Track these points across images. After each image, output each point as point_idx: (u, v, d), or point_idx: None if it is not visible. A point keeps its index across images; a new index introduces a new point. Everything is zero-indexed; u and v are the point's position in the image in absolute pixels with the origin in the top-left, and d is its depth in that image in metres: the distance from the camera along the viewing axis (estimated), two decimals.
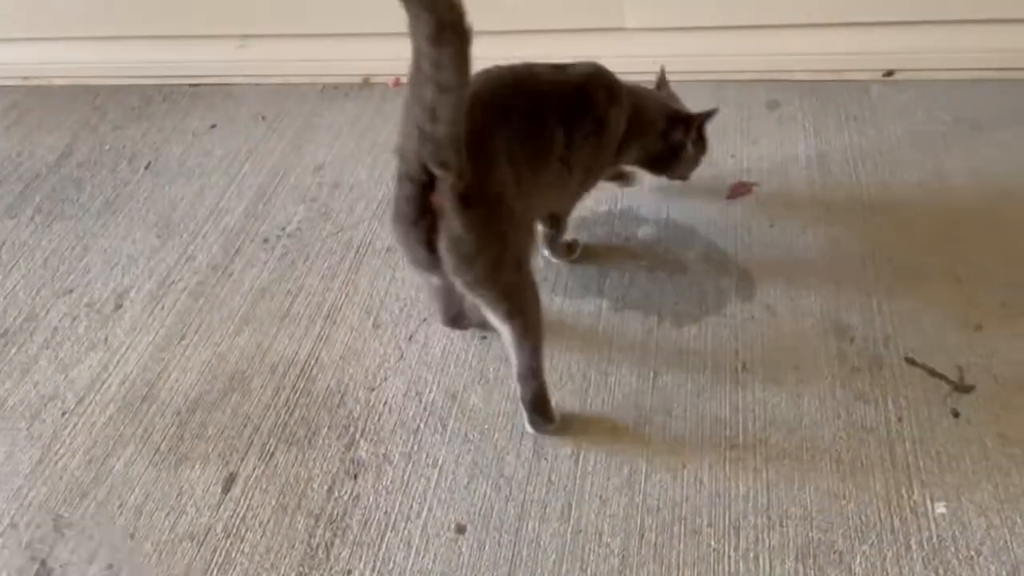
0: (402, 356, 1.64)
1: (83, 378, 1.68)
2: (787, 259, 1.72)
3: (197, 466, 1.51)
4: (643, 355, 1.58)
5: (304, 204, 2.02)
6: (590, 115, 1.45)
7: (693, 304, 1.66)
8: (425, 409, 1.53)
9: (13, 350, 1.76)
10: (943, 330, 1.53)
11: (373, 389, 1.58)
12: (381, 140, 2.20)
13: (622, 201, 1.91)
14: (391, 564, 1.33)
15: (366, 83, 2.42)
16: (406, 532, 1.37)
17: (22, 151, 2.34)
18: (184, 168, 2.20)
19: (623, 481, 1.38)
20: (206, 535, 1.40)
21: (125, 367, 1.69)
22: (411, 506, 1.40)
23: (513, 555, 1.32)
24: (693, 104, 1.70)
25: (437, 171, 1.16)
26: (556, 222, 1.71)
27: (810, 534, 1.29)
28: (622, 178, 1.89)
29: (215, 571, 1.36)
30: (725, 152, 2.00)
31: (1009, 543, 1.24)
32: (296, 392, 1.60)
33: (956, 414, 1.40)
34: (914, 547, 1.25)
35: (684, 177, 1.77)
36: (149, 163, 2.24)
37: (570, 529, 1.34)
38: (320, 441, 1.51)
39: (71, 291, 1.88)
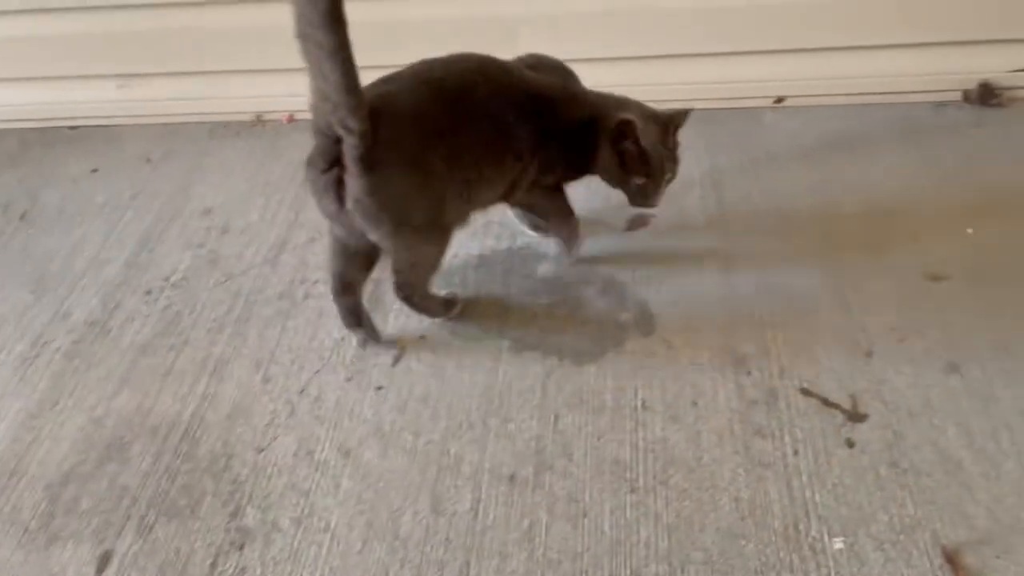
0: (293, 411, 1.56)
1: None
2: (685, 291, 1.71)
3: (69, 545, 1.39)
4: (543, 398, 1.54)
5: (191, 251, 1.93)
6: (556, 123, 1.53)
7: (593, 342, 1.64)
8: (317, 469, 1.46)
9: None
10: (836, 358, 1.54)
11: (261, 450, 1.50)
12: (274, 179, 2.12)
13: (522, 238, 1.88)
14: None
15: (258, 120, 2.34)
16: None
17: None
18: (63, 216, 2.08)
19: (522, 535, 1.34)
20: None
21: None
22: None
23: None
24: None
25: (339, 131, 1.26)
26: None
27: None
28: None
29: None
30: None
31: None
32: (178, 457, 1.50)
33: (851, 444, 1.41)
34: None
35: (645, 203, 1.63)
36: (24, 212, 2.11)
37: None
38: (203, 510, 1.42)
39: None
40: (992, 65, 2.11)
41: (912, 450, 1.39)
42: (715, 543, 1.30)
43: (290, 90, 2.27)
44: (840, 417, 1.45)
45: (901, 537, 1.28)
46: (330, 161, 1.33)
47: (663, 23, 2.07)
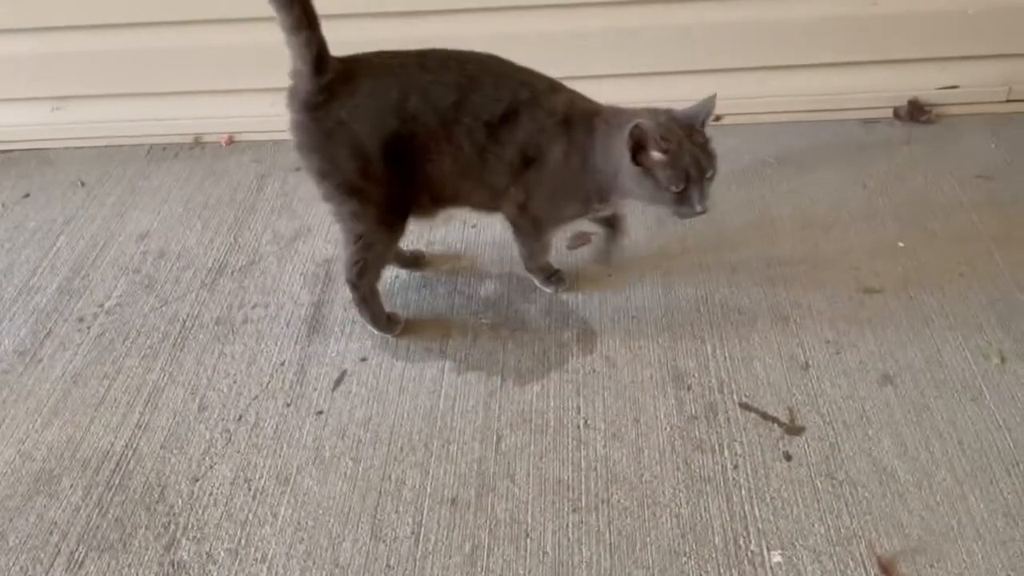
0: (230, 439, 1.52)
1: None
2: (626, 308, 1.72)
3: None
4: (486, 418, 1.53)
5: (126, 276, 1.88)
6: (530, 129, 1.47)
7: (536, 361, 1.63)
8: (254, 498, 1.43)
9: None
10: (774, 372, 1.56)
11: (197, 480, 1.46)
12: (212, 202, 2.08)
13: (465, 258, 1.88)
14: None
15: (197, 142, 2.30)
16: None
17: None
18: None
19: (464, 558, 1.32)
20: None
21: None
22: None
23: None
24: None
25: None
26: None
27: None
28: (611, 226, 1.77)
29: None
30: None
31: None
32: (111, 489, 1.46)
33: (788, 457, 1.42)
34: None
35: (692, 210, 1.44)
36: None
37: None
38: (136, 544, 1.37)
39: None
40: (920, 83, 2.18)
41: (848, 461, 1.41)
42: (656, 561, 1.30)
43: (228, 112, 2.27)
44: (778, 430, 1.47)
45: (837, 548, 1.29)
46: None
47: (598, 43, 2.09)
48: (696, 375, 1.57)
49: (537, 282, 1.77)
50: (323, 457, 1.48)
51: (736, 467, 1.42)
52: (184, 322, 1.76)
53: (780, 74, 2.16)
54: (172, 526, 1.39)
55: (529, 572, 1.30)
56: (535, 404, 1.55)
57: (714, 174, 1.43)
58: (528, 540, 1.34)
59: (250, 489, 1.44)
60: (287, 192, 2.11)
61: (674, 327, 1.67)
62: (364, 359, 1.66)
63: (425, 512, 1.39)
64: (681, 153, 1.38)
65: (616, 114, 1.48)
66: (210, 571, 1.33)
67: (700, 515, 1.35)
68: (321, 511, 1.40)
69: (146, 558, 1.35)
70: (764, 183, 2.00)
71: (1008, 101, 2.17)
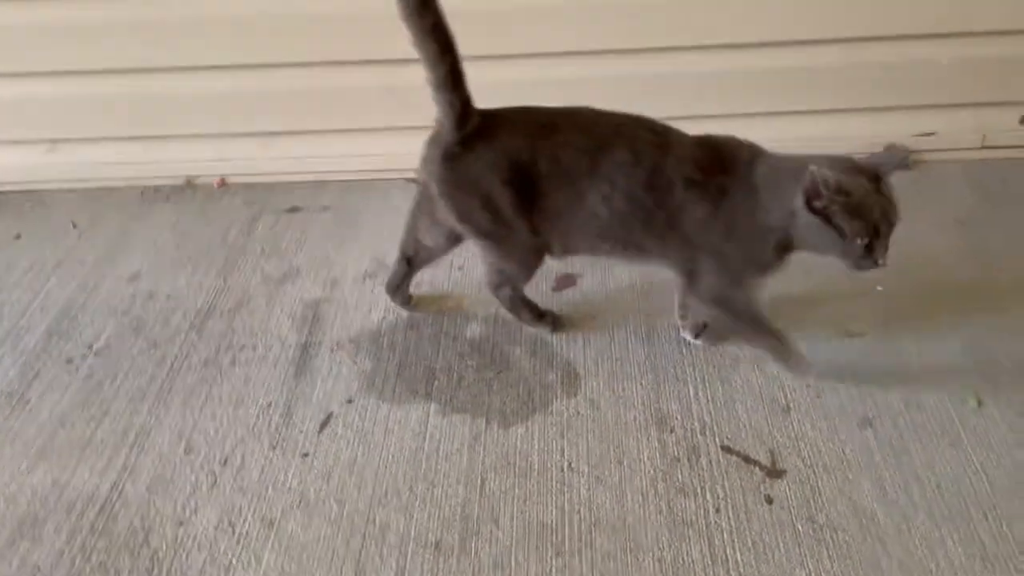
0: (215, 482, 1.53)
1: None
2: (609, 351, 1.75)
3: None
4: (471, 461, 1.54)
5: (115, 318, 1.90)
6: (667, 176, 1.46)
7: (520, 403, 1.65)
8: (238, 542, 1.43)
9: None
10: (755, 414, 1.58)
11: (182, 523, 1.46)
12: (203, 243, 2.11)
13: (451, 299, 1.90)
14: None
15: (189, 184, 2.34)
16: None
17: None
18: None
19: None
20: None
21: None
22: None
23: None
24: None
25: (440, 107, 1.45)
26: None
27: None
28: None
29: None
30: None
31: None
32: (94, 534, 1.46)
33: (770, 500, 1.44)
34: None
35: (873, 263, 1.41)
36: None
37: None
38: None
39: None
40: (898, 130, 2.23)
41: (828, 504, 1.42)
42: None
43: (221, 154, 2.30)
44: (759, 473, 1.48)
45: None
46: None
47: None
48: (679, 417, 1.59)
49: (785, 368, 1.63)
50: (308, 500, 1.49)
51: (718, 510, 1.43)
52: (172, 364, 1.77)
53: (759, 121, 2.21)
54: (155, 571, 1.39)
55: None
56: (519, 447, 1.56)
57: (893, 225, 1.38)
58: None
59: (234, 533, 1.44)
60: (277, 234, 2.14)
61: (657, 369, 1.69)
62: (350, 401, 1.67)
63: (409, 556, 1.39)
64: (869, 203, 1.34)
65: (783, 161, 1.44)
66: None
67: (682, 559, 1.36)
68: (305, 555, 1.40)
69: None
70: None
71: (983, 148, 2.22)
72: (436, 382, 1.70)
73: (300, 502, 1.49)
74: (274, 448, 1.59)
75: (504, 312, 1.85)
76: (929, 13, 2.03)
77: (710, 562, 1.35)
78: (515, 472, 1.52)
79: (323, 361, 1.76)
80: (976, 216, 2.02)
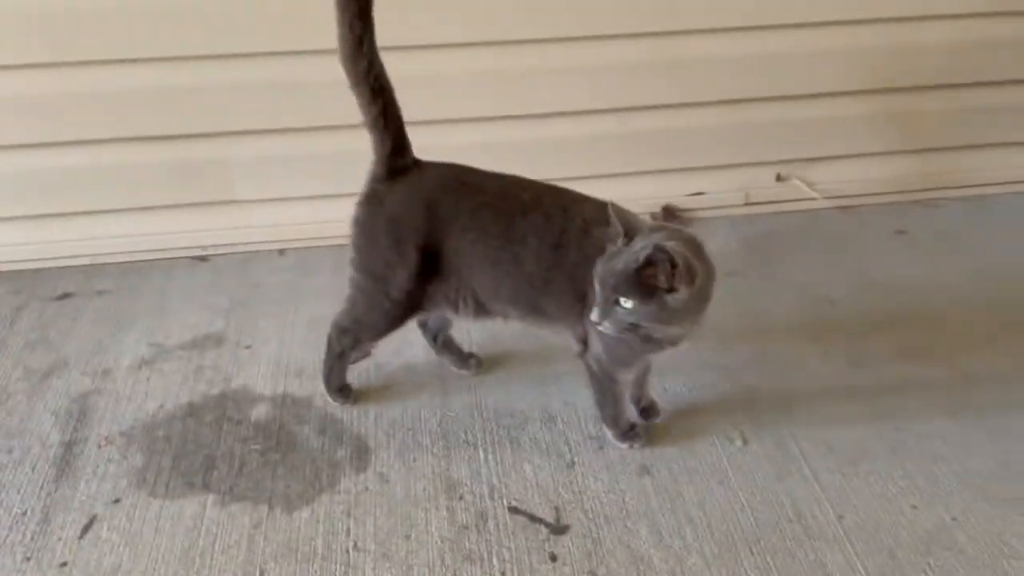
0: None
1: None
2: (402, 421, 1.73)
3: None
4: (249, 552, 1.46)
5: None
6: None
7: (306, 484, 1.59)
8: None
9: None
10: (542, 472, 1.61)
11: None
12: None
13: (236, 380, 1.82)
14: None
15: None
16: None
17: None
18: None
19: None
20: None
21: None
22: None
23: None
24: None
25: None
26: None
27: None
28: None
29: None
30: None
31: None
32: None
33: (554, 558, 1.45)
34: None
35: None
36: None
37: None
38: None
39: None
40: (673, 190, 2.41)
41: (608, 555, 1.45)
42: None
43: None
44: (544, 531, 1.49)
45: None
46: None
47: None
48: (468, 483, 1.59)
49: (610, 437, 1.66)
50: None
51: (503, 574, 1.42)
52: None
53: None
54: None
55: None
56: (303, 531, 1.50)
57: None
58: None
59: None
60: (44, 324, 1.98)
61: (449, 435, 1.69)
62: (117, 500, 1.54)
63: None
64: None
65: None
66: None
67: None
68: None
69: None
70: None
71: (746, 204, 2.44)
72: (215, 471, 1.61)
73: None
74: (28, 560, 1.44)
75: (293, 389, 1.79)
76: (692, 84, 2.23)
77: None
78: (297, 559, 1.45)
79: (88, 460, 1.62)
80: (742, 268, 2.19)
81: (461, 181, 1.53)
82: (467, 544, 1.47)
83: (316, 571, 1.43)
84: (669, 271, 1.29)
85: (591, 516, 1.52)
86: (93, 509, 1.53)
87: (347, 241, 1.59)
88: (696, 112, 2.31)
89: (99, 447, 1.65)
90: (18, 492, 1.56)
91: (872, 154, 2.45)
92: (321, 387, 1.79)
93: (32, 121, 1.99)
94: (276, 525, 1.51)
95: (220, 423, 1.72)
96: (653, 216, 2.38)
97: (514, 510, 1.53)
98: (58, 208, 2.13)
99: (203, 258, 2.23)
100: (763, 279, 2.15)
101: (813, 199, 2.44)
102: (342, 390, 1.76)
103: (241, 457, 1.64)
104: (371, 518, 1.52)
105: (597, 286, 1.36)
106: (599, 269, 1.36)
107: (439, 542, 1.48)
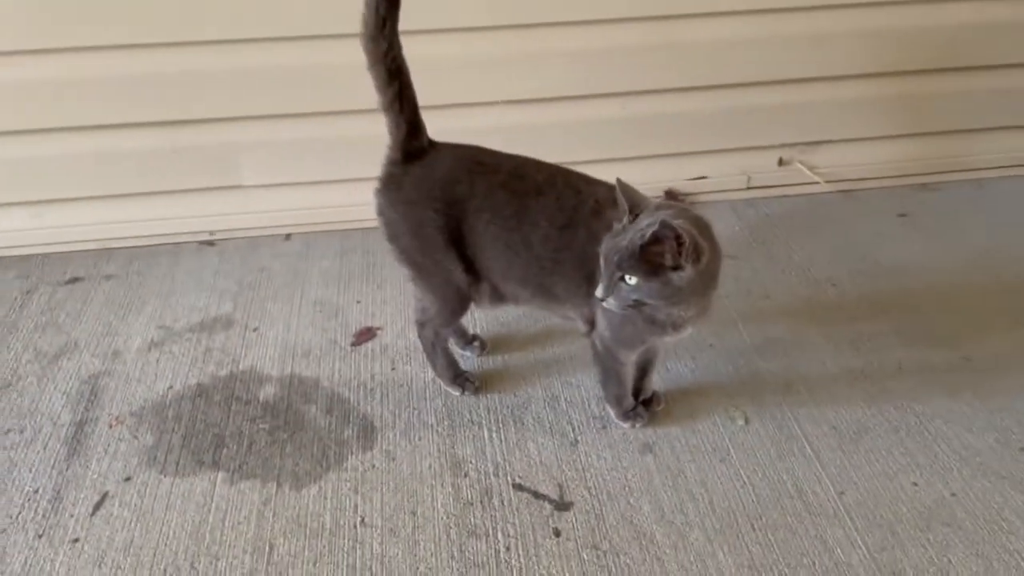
0: None
1: None
2: (407, 400, 1.75)
3: None
4: (259, 528, 1.48)
5: None
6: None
7: (314, 462, 1.61)
8: None
9: None
10: (546, 450, 1.63)
11: None
12: None
13: (244, 361, 1.85)
14: None
15: None
16: None
17: None
18: None
19: None
20: None
21: None
22: None
23: None
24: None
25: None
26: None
27: None
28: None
29: None
30: (351, 298, 2.03)
31: None
32: None
33: (557, 533, 1.47)
34: None
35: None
36: None
37: None
38: None
39: None
40: (675, 174, 2.42)
41: (611, 531, 1.47)
42: None
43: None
44: (548, 507, 1.52)
45: None
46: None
47: None
48: (473, 461, 1.61)
49: (612, 416, 1.68)
50: None
51: (508, 549, 1.44)
52: None
53: None
54: None
55: None
56: (311, 507, 1.52)
57: None
58: None
59: None
60: (54, 307, 2.00)
61: (454, 415, 1.71)
62: (128, 478, 1.57)
63: None
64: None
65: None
66: None
67: None
68: None
69: None
70: None
71: (748, 188, 2.45)
72: (224, 449, 1.63)
73: None
74: (40, 537, 1.47)
75: (300, 370, 1.82)
76: (693, 68, 2.23)
77: None
78: (306, 534, 1.47)
79: (99, 439, 1.65)
80: (743, 250, 2.21)
81: (476, 161, 1.53)
82: (472, 520, 1.50)
83: (324, 546, 1.45)
84: (675, 248, 1.29)
85: (594, 493, 1.54)
86: (104, 487, 1.55)
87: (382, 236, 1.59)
88: (698, 96, 2.31)
89: (109, 427, 1.68)
90: (30, 471, 1.59)
91: (874, 138, 2.45)
92: (328, 368, 1.81)
93: (40, 107, 2.00)
94: (285, 502, 1.53)
95: (229, 403, 1.74)
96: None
97: (518, 487, 1.56)
98: (66, 193, 2.15)
99: (210, 242, 2.25)
100: (765, 262, 2.16)
101: (815, 183, 2.45)
102: (456, 379, 1.75)
103: (250, 436, 1.66)
104: (378, 494, 1.55)
105: (602, 262, 1.36)
106: (605, 245, 1.36)
107: (444, 518, 1.50)
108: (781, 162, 2.46)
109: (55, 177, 2.12)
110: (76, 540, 1.46)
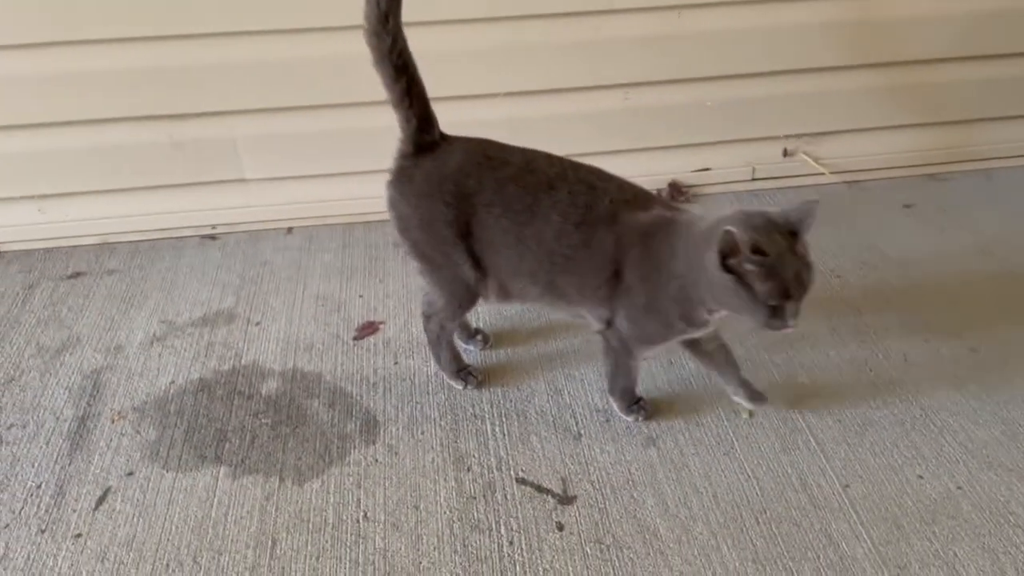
0: None
1: None
2: (410, 394, 1.74)
3: None
4: (261, 523, 1.48)
5: None
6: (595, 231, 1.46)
7: (316, 457, 1.61)
8: None
9: None
10: (549, 444, 1.62)
11: None
12: None
13: (247, 355, 1.84)
14: None
15: None
16: None
17: None
18: None
19: None
20: None
21: None
22: None
23: None
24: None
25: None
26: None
27: None
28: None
29: None
30: (353, 292, 2.03)
31: None
32: None
33: (561, 527, 1.46)
34: None
35: (783, 324, 1.34)
36: None
37: None
38: None
39: None
40: (678, 166, 2.40)
41: (615, 525, 1.46)
42: None
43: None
44: (551, 501, 1.51)
45: None
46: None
47: None
48: (476, 455, 1.60)
49: (616, 408, 1.67)
50: None
51: (511, 543, 1.44)
52: None
53: None
54: None
55: None
56: (314, 502, 1.52)
57: (807, 289, 1.32)
58: None
59: None
60: (56, 302, 2.00)
61: (456, 409, 1.70)
62: (131, 473, 1.57)
63: None
64: (783, 265, 1.28)
65: (701, 220, 1.42)
66: None
67: None
68: None
69: None
70: None
71: (753, 179, 2.43)
72: (227, 444, 1.63)
73: None
74: (43, 532, 1.47)
75: (303, 364, 1.81)
76: (696, 59, 2.22)
77: None
78: (308, 529, 1.47)
79: (102, 434, 1.65)
80: None
81: (487, 155, 1.51)
82: (475, 514, 1.49)
83: (327, 540, 1.45)
84: None
85: (598, 487, 1.54)
86: (107, 482, 1.55)
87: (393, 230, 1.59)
88: (702, 87, 2.29)
89: (112, 422, 1.67)
90: (33, 466, 1.59)
91: (879, 128, 2.43)
92: (330, 362, 1.81)
93: (42, 101, 1.99)
94: (287, 496, 1.53)
95: (231, 397, 1.74)
96: (659, 192, 2.38)
97: (521, 481, 1.55)
98: (68, 188, 2.14)
99: (212, 237, 2.25)
100: None
101: (820, 174, 2.44)
102: (459, 373, 1.74)
103: (252, 430, 1.66)
104: (380, 489, 1.54)
105: (797, 291, 1.30)
106: (801, 276, 1.30)
107: (447, 512, 1.50)
108: (786, 153, 2.44)
109: (57, 172, 2.11)
110: (79, 535, 1.46)
